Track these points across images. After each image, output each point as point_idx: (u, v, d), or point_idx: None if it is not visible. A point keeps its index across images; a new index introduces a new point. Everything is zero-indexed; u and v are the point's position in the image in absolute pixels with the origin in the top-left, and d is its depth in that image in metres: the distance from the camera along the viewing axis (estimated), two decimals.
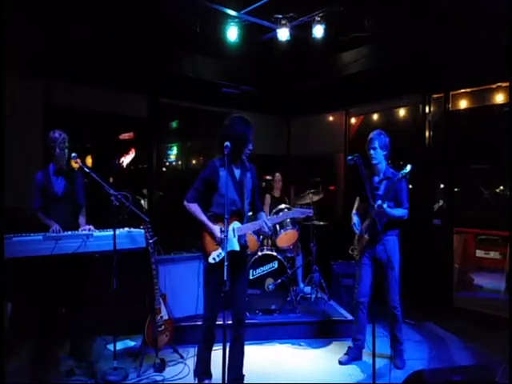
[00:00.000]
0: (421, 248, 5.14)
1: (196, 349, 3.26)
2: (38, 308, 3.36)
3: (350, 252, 3.83)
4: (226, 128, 3.07)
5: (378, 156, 3.59)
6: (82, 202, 3.74)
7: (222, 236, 2.99)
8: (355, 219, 3.77)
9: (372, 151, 3.57)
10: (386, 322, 3.91)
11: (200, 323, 3.27)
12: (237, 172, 3.11)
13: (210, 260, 3.05)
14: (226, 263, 2.67)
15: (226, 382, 2.69)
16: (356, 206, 3.84)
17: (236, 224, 3.07)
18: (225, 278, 2.63)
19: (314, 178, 6.81)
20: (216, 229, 3.03)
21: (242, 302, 3.17)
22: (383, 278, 3.61)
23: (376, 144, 3.55)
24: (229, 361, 3.08)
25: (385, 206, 3.38)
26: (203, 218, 3.07)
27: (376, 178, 3.64)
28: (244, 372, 3.17)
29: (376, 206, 3.37)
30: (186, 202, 3.10)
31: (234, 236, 3.06)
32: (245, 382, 3.20)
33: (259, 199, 3.28)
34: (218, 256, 3.03)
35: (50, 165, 3.64)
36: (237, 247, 3.05)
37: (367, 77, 5.62)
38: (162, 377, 3.47)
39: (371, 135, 3.61)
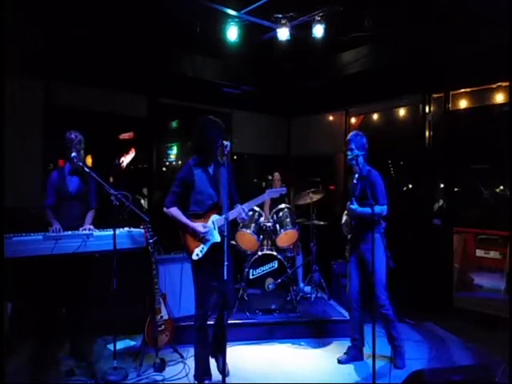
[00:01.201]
0: (421, 248, 5.14)
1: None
2: (38, 308, 3.37)
3: (346, 254, 3.91)
4: (197, 131, 3.20)
5: (352, 155, 3.67)
6: (94, 206, 3.76)
7: (205, 230, 3.10)
8: (344, 219, 3.85)
9: (349, 152, 3.67)
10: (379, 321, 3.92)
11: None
12: (210, 169, 3.23)
13: (194, 257, 3.11)
14: (226, 263, 2.67)
15: (225, 382, 2.70)
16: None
17: (215, 217, 3.17)
18: (225, 277, 2.64)
19: (314, 178, 6.80)
20: (198, 225, 3.12)
21: (231, 290, 3.23)
22: (368, 277, 3.65)
23: (353, 145, 3.65)
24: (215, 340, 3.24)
25: (353, 207, 3.50)
26: (184, 219, 3.16)
27: (353, 177, 3.70)
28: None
29: (347, 207, 3.54)
30: (165, 209, 3.20)
31: (215, 228, 3.15)
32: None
33: (236, 193, 3.34)
34: (200, 251, 3.11)
35: (65, 165, 3.71)
36: (218, 238, 3.14)
37: (367, 77, 5.61)
38: (162, 377, 3.47)
39: (348, 137, 3.73)
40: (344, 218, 3.85)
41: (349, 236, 3.81)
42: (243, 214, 3.14)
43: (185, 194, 3.21)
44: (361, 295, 3.75)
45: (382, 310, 3.63)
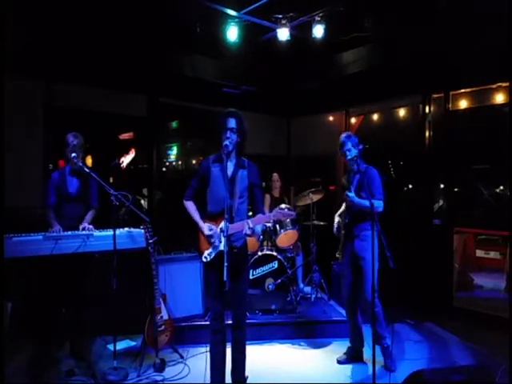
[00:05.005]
0: (421, 248, 5.14)
1: (208, 354, 3.10)
2: (38, 308, 3.37)
3: (336, 255, 3.88)
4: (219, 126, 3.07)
5: (353, 154, 3.69)
6: (95, 204, 3.77)
7: (210, 233, 2.98)
8: (336, 220, 3.87)
9: (347, 152, 3.70)
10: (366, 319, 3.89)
11: (200, 323, 3.26)
12: (230, 169, 3.02)
13: (203, 259, 3.05)
14: (225, 264, 2.67)
15: (225, 382, 2.70)
16: (342, 209, 3.90)
17: (225, 224, 2.82)
18: (224, 278, 2.63)
19: (314, 178, 6.80)
20: (204, 227, 3.01)
21: (240, 305, 3.10)
22: (359, 274, 3.63)
23: (349, 145, 3.69)
24: (231, 363, 3.08)
25: (351, 194, 3.53)
26: (195, 216, 3.08)
27: (351, 174, 3.76)
28: (247, 373, 3.15)
29: (344, 196, 3.58)
30: (184, 201, 3.14)
31: (224, 235, 2.81)
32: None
33: (259, 200, 3.13)
34: (208, 255, 3.00)
35: (67, 165, 3.74)
36: (222, 247, 2.90)
37: (367, 77, 5.61)
38: (162, 377, 3.47)
39: (341, 139, 3.74)
40: (336, 219, 3.87)
41: (342, 233, 3.78)
42: (247, 229, 2.86)
43: (202, 189, 3.08)
44: (354, 295, 3.70)
45: (369, 307, 3.57)
